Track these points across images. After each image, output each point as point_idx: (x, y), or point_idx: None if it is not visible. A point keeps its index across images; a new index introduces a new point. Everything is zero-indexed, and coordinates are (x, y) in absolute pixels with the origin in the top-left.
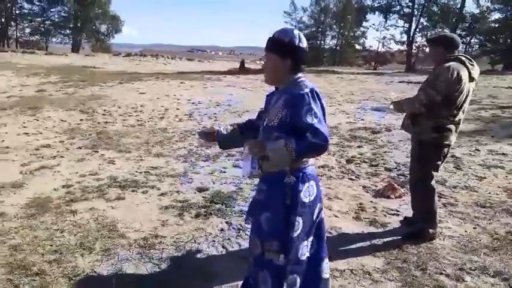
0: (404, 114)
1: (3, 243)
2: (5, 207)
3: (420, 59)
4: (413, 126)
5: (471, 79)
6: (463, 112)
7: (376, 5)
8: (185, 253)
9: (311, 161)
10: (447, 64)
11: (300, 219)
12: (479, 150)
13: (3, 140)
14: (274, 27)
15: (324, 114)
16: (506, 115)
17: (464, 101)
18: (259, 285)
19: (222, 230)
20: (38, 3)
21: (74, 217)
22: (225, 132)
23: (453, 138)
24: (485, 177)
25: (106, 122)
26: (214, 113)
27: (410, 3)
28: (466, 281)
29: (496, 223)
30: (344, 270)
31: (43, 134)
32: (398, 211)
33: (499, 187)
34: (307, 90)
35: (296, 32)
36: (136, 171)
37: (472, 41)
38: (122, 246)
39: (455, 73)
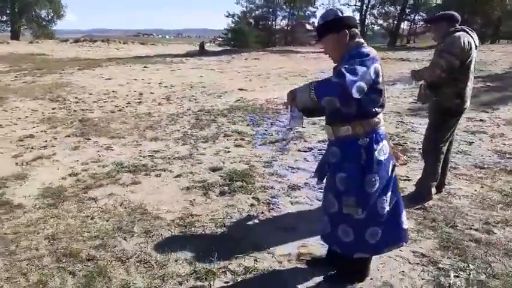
0: (419, 87)
1: (37, 234)
2: (19, 199)
3: (370, 37)
4: (435, 95)
5: (475, 46)
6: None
7: None
8: (226, 228)
9: (382, 122)
10: (457, 34)
11: (376, 177)
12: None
13: None
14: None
15: (376, 80)
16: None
17: (473, 67)
18: (340, 239)
19: (252, 205)
20: None
21: (96, 204)
22: None
23: (468, 103)
24: (473, 142)
25: (83, 110)
26: (192, 95)
27: None
28: (496, 233)
29: (499, 181)
30: None
31: (19, 125)
32: (408, 176)
33: (488, 150)
34: (368, 51)
35: (333, 9)
36: (140, 156)
37: (416, 18)
38: (161, 227)
39: (466, 40)
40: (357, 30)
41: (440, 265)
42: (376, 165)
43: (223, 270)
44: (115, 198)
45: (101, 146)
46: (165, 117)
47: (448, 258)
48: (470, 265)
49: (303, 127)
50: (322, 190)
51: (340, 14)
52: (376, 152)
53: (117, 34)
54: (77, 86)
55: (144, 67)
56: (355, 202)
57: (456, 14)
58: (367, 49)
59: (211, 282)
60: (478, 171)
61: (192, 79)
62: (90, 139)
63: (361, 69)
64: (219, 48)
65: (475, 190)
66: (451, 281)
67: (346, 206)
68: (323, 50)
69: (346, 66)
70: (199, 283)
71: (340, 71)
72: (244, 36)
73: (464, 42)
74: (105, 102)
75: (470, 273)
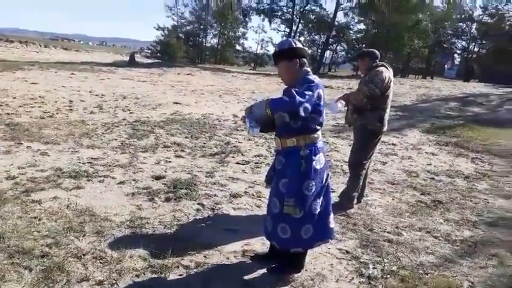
0: (346, 111)
1: None
2: None
3: None
4: (360, 118)
5: (391, 80)
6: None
7: (260, 8)
8: (175, 230)
9: (320, 138)
10: (379, 68)
11: (313, 182)
12: None
13: None
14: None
15: (318, 103)
16: None
17: (391, 97)
18: (279, 236)
19: (198, 210)
20: None
21: (41, 206)
22: None
23: (386, 127)
24: (386, 162)
25: (8, 114)
26: (126, 106)
27: (290, 9)
28: (404, 235)
29: (406, 195)
30: None
31: None
32: (332, 189)
33: (398, 169)
34: (313, 78)
35: (289, 39)
36: (79, 162)
37: (338, 48)
38: (112, 227)
39: (387, 75)
40: (306, 60)
41: (361, 260)
42: (313, 173)
43: (177, 265)
44: (60, 202)
45: (35, 151)
46: (100, 125)
47: (367, 255)
48: (384, 259)
49: (258, 134)
50: (260, 198)
51: (294, 45)
52: (314, 162)
53: (32, 36)
54: None
55: (72, 74)
56: (294, 203)
57: (377, 51)
58: (312, 77)
59: (166, 275)
60: (389, 186)
61: (123, 89)
62: (22, 143)
63: (307, 93)
64: (149, 60)
65: (387, 201)
66: (370, 272)
67: (287, 206)
68: (277, 73)
69: (297, 89)
70: (155, 275)
71: (291, 93)
72: (172, 50)
73: (385, 77)
74: (32, 107)
75: (384, 266)
